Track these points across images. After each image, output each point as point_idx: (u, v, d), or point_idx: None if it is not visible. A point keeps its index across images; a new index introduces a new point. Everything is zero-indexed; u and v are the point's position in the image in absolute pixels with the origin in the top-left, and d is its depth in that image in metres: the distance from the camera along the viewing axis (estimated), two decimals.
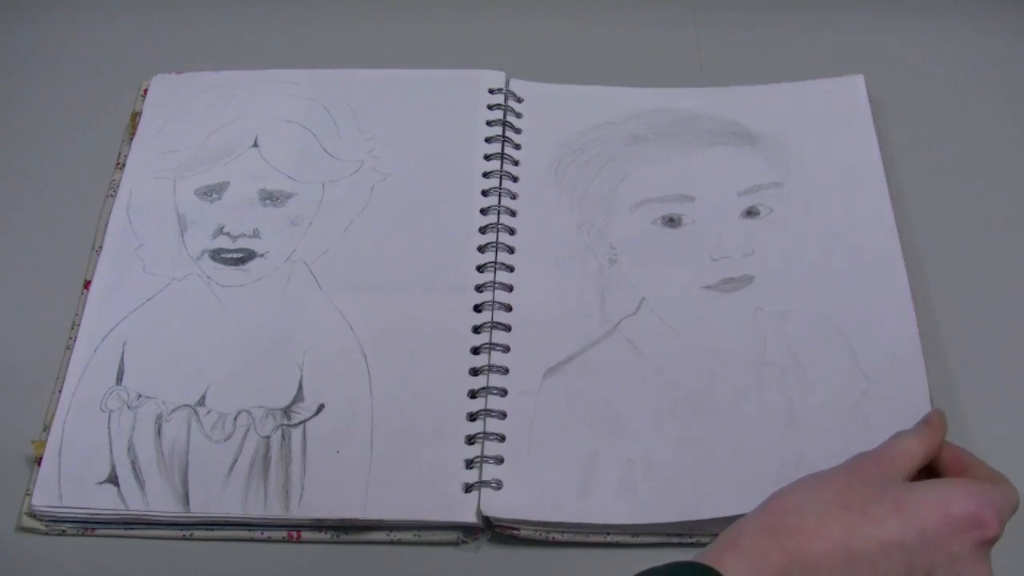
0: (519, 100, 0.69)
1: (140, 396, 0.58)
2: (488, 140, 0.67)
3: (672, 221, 0.63)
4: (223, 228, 0.64)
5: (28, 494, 0.56)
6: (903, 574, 0.42)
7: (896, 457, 0.46)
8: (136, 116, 0.69)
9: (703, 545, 0.53)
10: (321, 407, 0.57)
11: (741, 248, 0.62)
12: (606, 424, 0.56)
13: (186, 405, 0.58)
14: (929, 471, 0.49)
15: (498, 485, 0.54)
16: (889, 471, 0.45)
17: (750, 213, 0.63)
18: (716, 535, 0.53)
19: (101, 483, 0.55)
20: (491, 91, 0.69)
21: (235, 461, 0.56)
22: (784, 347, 0.58)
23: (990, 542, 0.43)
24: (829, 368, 0.57)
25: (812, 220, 0.63)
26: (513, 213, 0.64)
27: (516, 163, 0.66)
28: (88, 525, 0.55)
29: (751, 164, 0.65)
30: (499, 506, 0.54)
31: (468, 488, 0.55)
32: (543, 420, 0.57)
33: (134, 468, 0.56)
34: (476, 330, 0.60)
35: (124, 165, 0.67)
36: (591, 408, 0.57)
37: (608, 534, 0.54)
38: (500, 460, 0.55)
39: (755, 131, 0.67)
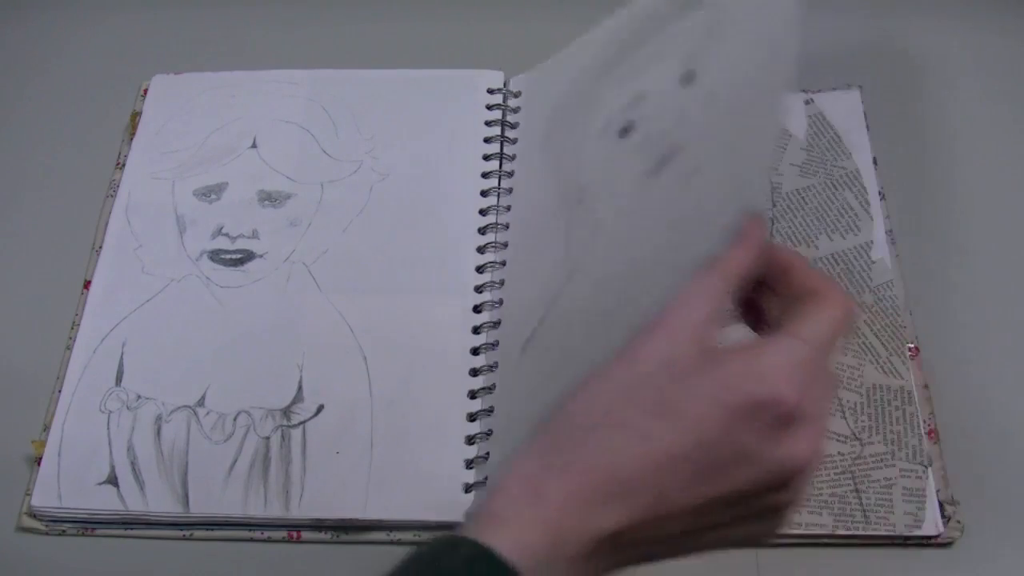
0: (516, 95, 0.69)
1: (140, 397, 0.58)
2: (487, 140, 0.67)
3: None
4: (222, 229, 0.64)
5: (28, 494, 0.56)
6: (697, 482, 0.35)
7: (677, 329, 0.37)
8: (136, 116, 0.69)
9: None
10: (321, 407, 0.57)
11: None
12: None
13: (186, 406, 0.58)
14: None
15: None
16: (670, 349, 0.36)
17: None
18: None
19: (101, 483, 0.55)
20: (490, 91, 0.69)
21: (235, 461, 0.56)
22: None
23: (786, 417, 0.35)
24: None
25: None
26: (508, 208, 0.64)
27: (514, 158, 0.66)
28: (88, 525, 0.55)
29: None
30: None
31: (468, 488, 0.55)
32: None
33: (134, 468, 0.56)
34: (476, 331, 0.60)
35: (124, 165, 0.67)
36: None
37: None
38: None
39: None
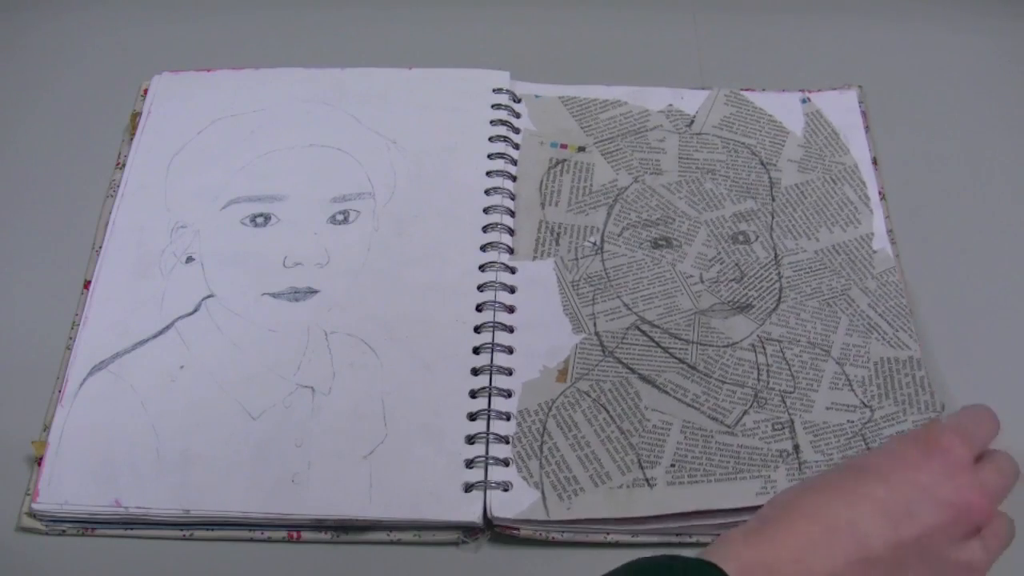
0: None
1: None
2: (491, 140, 0.67)
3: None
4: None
5: (28, 494, 0.56)
6: (887, 526, 0.41)
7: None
8: (136, 116, 0.69)
9: (703, 544, 0.53)
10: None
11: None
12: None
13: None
14: None
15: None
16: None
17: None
18: (715, 535, 0.54)
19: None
20: (495, 91, 0.69)
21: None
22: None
23: (958, 466, 0.43)
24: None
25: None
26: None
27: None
28: (88, 525, 0.55)
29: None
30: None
31: (468, 488, 0.55)
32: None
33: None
34: (477, 330, 0.60)
35: (124, 165, 0.67)
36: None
37: (608, 534, 0.54)
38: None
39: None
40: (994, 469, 0.44)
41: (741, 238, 0.63)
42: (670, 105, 0.69)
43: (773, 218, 0.64)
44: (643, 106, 0.69)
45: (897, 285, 0.61)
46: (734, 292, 0.61)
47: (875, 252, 0.62)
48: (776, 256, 0.62)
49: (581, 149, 0.67)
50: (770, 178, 0.65)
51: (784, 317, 0.60)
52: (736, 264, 0.62)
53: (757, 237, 0.63)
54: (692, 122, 0.68)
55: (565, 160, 0.67)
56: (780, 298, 0.61)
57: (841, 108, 0.69)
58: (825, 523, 0.41)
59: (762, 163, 0.66)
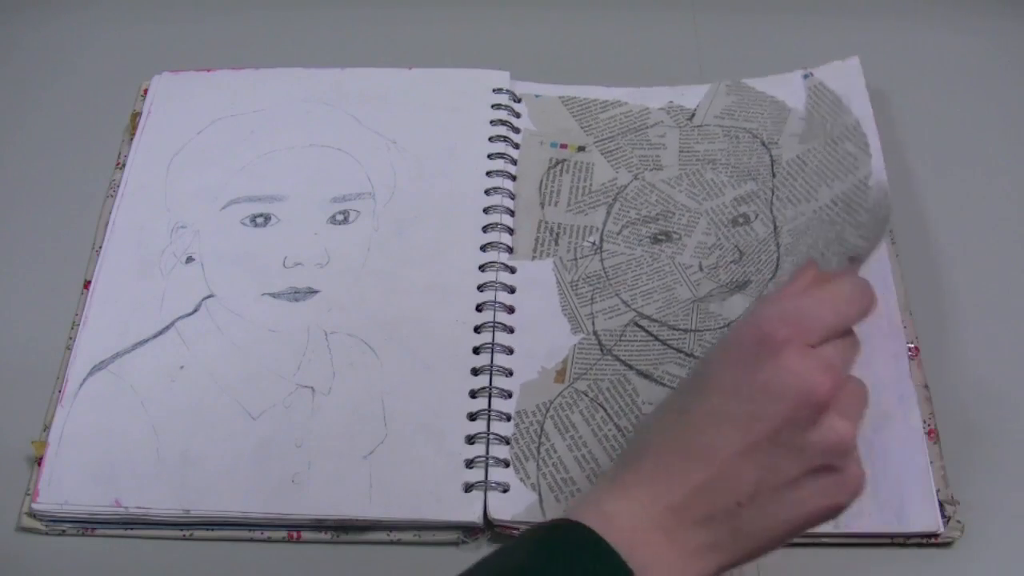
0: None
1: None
2: (491, 140, 0.67)
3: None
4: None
5: (28, 494, 0.56)
6: (737, 436, 0.40)
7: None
8: (136, 116, 0.69)
9: None
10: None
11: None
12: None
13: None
14: None
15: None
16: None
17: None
18: None
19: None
20: (495, 91, 0.69)
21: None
22: None
23: (790, 353, 0.40)
24: None
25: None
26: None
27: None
28: (88, 525, 0.55)
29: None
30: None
31: (468, 488, 0.55)
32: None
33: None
34: (477, 330, 0.60)
35: (124, 165, 0.67)
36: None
37: None
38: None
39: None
40: (832, 345, 0.42)
41: (741, 220, 0.63)
42: (670, 102, 0.69)
43: (773, 193, 0.63)
44: (643, 104, 0.69)
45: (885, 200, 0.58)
46: (733, 273, 0.61)
47: (870, 188, 0.60)
48: (775, 228, 0.62)
49: (581, 149, 0.67)
50: (771, 156, 0.65)
51: (779, 283, 0.59)
52: (735, 246, 0.62)
53: (757, 216, 0.63)
54: (693, 115, 0.68)
55: (565, 160, 0.67)
56: (777, 267, 0.60)
57: (843, 75, 0.68)
58: (677, 452, 0.41)
59: (763, 144, 0.66)
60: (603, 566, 0.38)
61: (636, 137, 0.67)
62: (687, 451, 0.41)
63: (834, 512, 0.41)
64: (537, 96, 0.70)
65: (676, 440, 0.41)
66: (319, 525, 0.55)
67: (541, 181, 0.66)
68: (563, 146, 0.67)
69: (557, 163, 0.66)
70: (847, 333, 0.42)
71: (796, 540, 0.52)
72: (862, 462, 0.42)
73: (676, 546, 0.40)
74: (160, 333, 0.60)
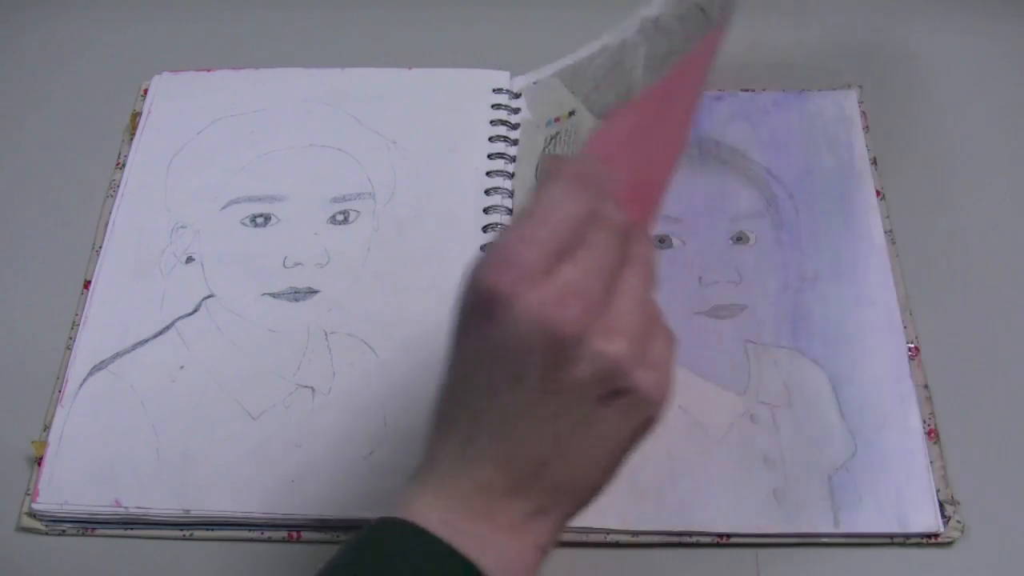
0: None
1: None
2: (491, 140, 0.67)
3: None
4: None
5: (28, 494, 0.56)
6: (511, 398, 0.37)
7: None
8: (136, 116, 0.69)
9: (703, 545, 0.53)
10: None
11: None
12: None
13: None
14: None
15: None
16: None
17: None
18: (714, 535, 0.54)
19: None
20: (495, 91, 0.69)
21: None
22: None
23: (503, 300, 0.35)
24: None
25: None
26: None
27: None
28: (88, 525, 0.55)
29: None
30: None
31: None
32: None
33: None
34: None
35: (124, 165, 0.67)
36: None
37: (608, 534, 0.54)
38: None
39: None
40: (571, 261, 0.36)
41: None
42: (643, 19, 0.63)
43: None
44: (621, 37, 0.65)
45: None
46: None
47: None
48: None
49: (571, 114, 0.66)
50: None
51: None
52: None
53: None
54: (657, 20, 0.62)
55: (558, 133, 0.66)
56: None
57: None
58: (459, 438, 0.38)
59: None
60: (443, 564, 0.37)
61: (616, 74, 0.65)
62: (468, 434, 0.38)
63: (647, 424, 0.39)
64: (535, 83, 0.69)
65: (455, 425, 0.39)
66: (319, 525, 0.55)
67: (537, 165, 0.65)
68: (557, 120, 0.66)
69: (551, 139, 0.66)
70: (583, 234, 0.36)
71: (796, 540, 0.53)
72: (659, 361, 0.37)
73: (498, 527, 0.38)
74: (160, 333, 0.60)
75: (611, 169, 0.38)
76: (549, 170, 0.37)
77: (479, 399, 0.38)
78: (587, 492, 0.40)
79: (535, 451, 0.37)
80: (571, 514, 0.40)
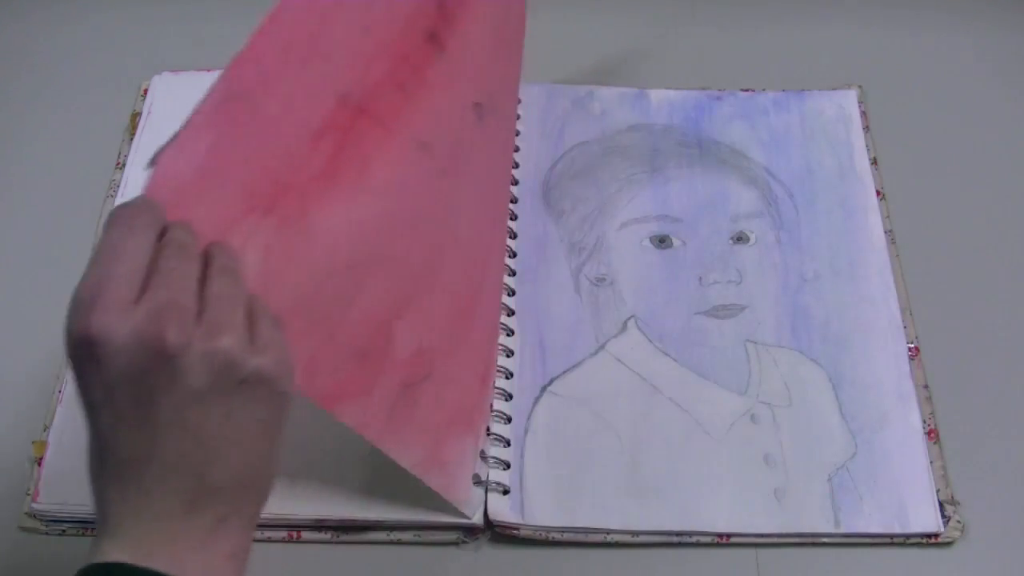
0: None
1: None
2: None
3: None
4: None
5: (28, 494, 0.56)
6: (138, 425, 0.38)
7: None
8: (136, 116, 0.69)
9: (703, 545, 0.53)
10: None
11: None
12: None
13: None
14: None
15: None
16: None
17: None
18: (714, 535, 0.54)
19: None
20: None
21: None
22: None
23: (90, 341, 0.36)
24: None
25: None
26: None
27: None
28: (88, 525, 0.55)
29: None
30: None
31: None
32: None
33: None
34: None
35: (124, 165, 0.67)
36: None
37: (608, 534, 0.54)
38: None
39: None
40: (152, 285, 0.37)
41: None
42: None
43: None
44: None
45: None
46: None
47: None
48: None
49: None
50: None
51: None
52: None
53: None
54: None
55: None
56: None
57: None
58: (117, 482, 0.39)
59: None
60: None
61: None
62: (121, 474, 0.39)
63: (283, 401, 0.40)
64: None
65: (111, 470, 0.39)
66: (319, 525, 0.55)
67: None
68: None
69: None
70: (156, 260, 0.38)
71: (796, 540, 0.53)
72: (269, 342, 0.38)
73: (188, 547, 0.38)
74: None
75: (206, 186, 0.41)
76: (109, 217, 0.39)
77: (119, 437, 0.38)
78: (258, 484, 0.41)
79: (189, 466, 0.38)
80: (254, 513, 0.41)
